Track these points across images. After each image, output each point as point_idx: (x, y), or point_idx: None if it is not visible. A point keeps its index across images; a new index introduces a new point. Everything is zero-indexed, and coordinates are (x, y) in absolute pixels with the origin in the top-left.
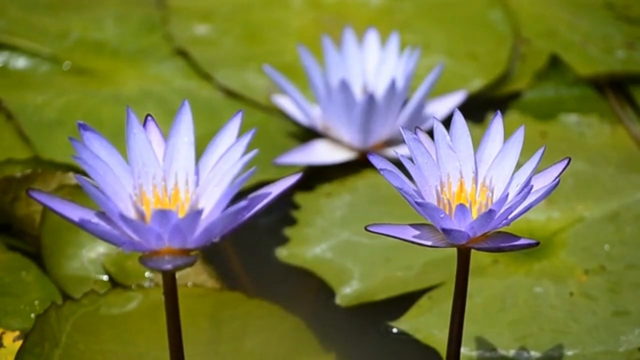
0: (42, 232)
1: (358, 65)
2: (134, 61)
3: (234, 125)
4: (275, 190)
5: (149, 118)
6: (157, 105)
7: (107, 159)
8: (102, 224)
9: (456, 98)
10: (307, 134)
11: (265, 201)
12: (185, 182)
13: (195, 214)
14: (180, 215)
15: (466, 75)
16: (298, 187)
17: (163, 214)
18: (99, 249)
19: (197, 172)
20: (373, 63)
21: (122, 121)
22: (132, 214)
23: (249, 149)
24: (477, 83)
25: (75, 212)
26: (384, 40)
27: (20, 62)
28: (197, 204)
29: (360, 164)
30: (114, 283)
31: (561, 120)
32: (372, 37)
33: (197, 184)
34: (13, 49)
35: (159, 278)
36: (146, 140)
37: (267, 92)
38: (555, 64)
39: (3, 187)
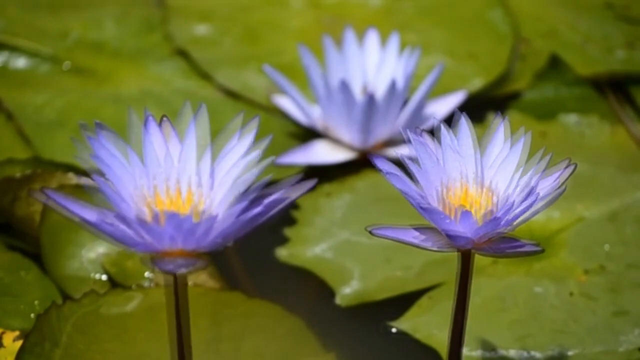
0: (41, 232)
1: (358, 65)
2: (134, 61)
3: (250, 130)
4: (291, 195)
5: (165, 119)
6: (157, 105)
7: (123, 159)
8: (117, 224)
9: (456, 98)
10: (307, 134)
11: (280, 206)
12: (199, 185)
13: (210, 218)
14: (195, 218)
15: (466, 75)
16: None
17: (177, 217)
18: (98, 249)
19: (212, 176)
20: (373, 63)
21: (122, 121)
22: (146, 215)
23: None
24: (477, 83)
25: (88, 213)
26: (384, 40)
27: (20, 62)
28: (211, 207)
29: (360, 164)
30: (113, 283)
31: (561, 120)
32: (372, 37)
33: (211, 187)
34: (13, 49)
35: (159, 278)
36: (162, 142)
37: (267, 92)
38: (555, 64)
39: (3, 187)
